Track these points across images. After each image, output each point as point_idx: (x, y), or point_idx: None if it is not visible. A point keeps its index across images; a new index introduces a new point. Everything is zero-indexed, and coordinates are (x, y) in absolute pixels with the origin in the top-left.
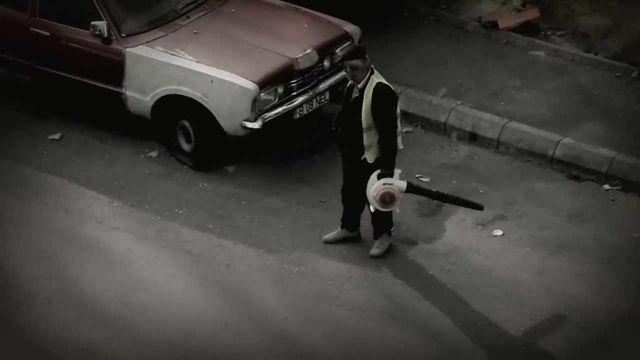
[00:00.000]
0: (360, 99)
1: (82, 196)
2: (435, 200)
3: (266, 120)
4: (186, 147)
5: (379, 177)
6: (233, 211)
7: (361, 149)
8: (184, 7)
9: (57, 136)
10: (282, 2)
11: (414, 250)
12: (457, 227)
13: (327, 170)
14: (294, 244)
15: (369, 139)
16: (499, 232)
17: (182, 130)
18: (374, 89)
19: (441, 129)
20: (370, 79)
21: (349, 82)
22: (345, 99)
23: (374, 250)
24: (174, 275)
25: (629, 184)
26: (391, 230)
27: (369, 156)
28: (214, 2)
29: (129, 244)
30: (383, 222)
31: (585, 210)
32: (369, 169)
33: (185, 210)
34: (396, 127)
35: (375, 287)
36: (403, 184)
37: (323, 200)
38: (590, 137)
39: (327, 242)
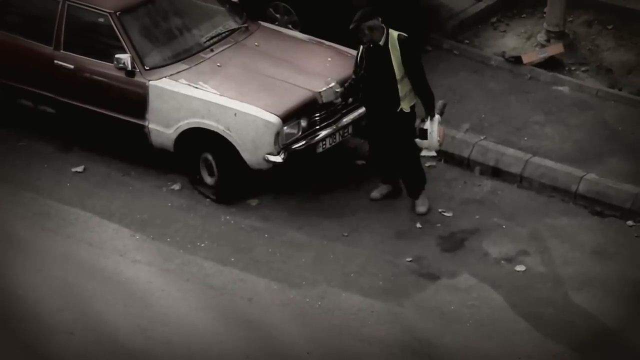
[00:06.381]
0: (386, 54)
1: (104, 229)
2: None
3: (289, 154)
4: (209, 180)
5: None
6: (255, 245)
7: (397, 102)
8: (207, 40)
9: (80, 169)
10: (305, 35)
11: (437, 285)
12: (479, 262)
13: (350, 204)
14: (316, 278)
15: (403, 89)
16: (522, 268)
17: (205, 163)
18: (399, 40)
19: (464, 163)
20: (390, 34)
21: (361, 48)
22: (367, 62)
23: (421, 208)
24: (196, 308)
25: None
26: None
27: (405, 105)
28: (237, 35)
29: (151, 277)
30: (418, 178)
31: (609, 247)
32: (406, 118)
33: (207, 244)
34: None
35: (397, 321)
36: (438, 117)
37: (346, 234)
38: (614, 172)
39: (374, 199)
